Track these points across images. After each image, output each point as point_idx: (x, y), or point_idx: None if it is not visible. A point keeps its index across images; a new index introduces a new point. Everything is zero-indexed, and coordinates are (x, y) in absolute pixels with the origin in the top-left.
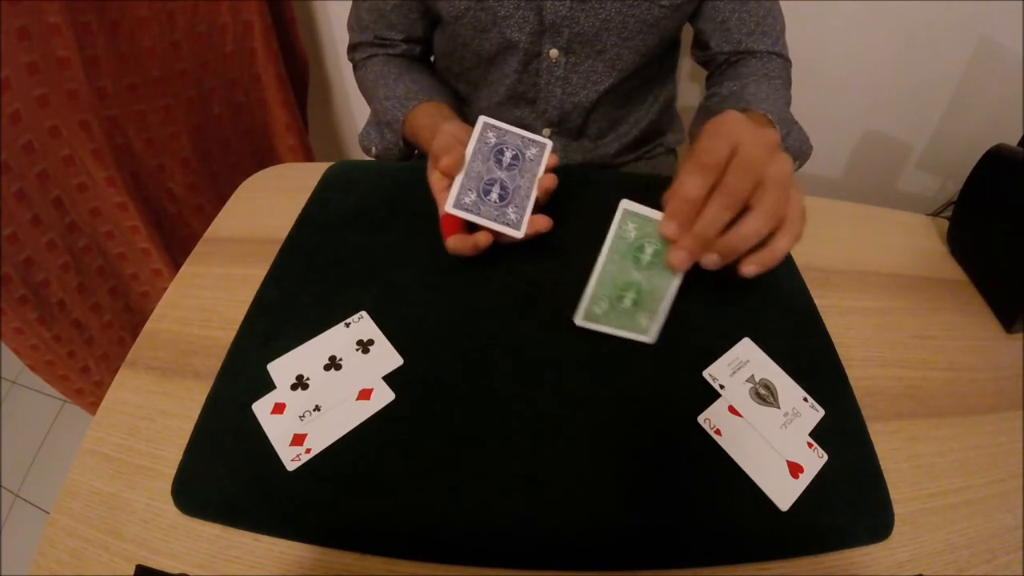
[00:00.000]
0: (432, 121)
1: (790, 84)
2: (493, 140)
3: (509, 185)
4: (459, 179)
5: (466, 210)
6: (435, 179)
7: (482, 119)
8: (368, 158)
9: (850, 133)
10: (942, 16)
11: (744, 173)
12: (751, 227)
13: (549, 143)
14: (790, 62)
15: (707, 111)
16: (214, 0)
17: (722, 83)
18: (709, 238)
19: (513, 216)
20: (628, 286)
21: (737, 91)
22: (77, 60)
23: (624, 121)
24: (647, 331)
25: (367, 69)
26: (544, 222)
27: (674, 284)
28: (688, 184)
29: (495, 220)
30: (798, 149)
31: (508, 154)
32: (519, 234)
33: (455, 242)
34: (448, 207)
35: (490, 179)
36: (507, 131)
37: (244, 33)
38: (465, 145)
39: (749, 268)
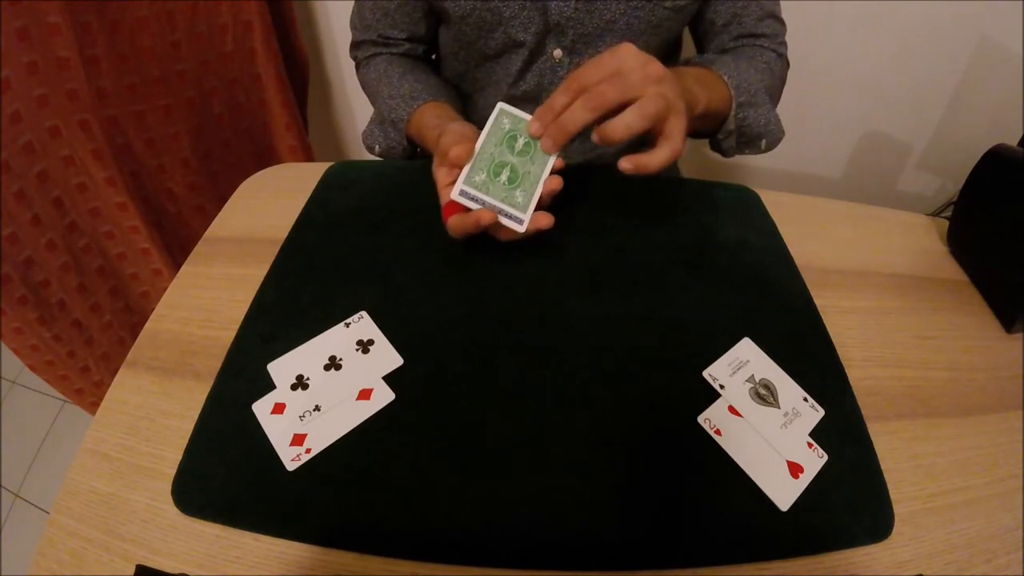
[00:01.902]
0: (439, 122)
1: (779, 77)
2: (507, 125)
3: (518, 172)
4: (466, 169)
5: (471, 200)
6: (441, 174)
7: (500, 105)
8: (368, 158)
9: (850, 133)
10: (942, 16)
11: (613, 85)
12: (622, 119)
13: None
14: (787, 62)
15: None
16: (214, 0)
17: (701, 56)
18: (568, 130)
19: (516, 206)
20: (503, 165)
21: (709, 59)
22: (77, 60)
23: None
24: (524, 208)
25: (370, 68)
26: (546, 219)
27: (545, 170)
28: (554, 97)
29: (498, 213)
30: (763, 127)
31: (520, 141)
32: (521, 228)
33: (456, 220)
34: (453, 194)
35: (500, 163)
36: (521, 119)
37: (244, 33)
38: (473, 142)
39: (624, 164)
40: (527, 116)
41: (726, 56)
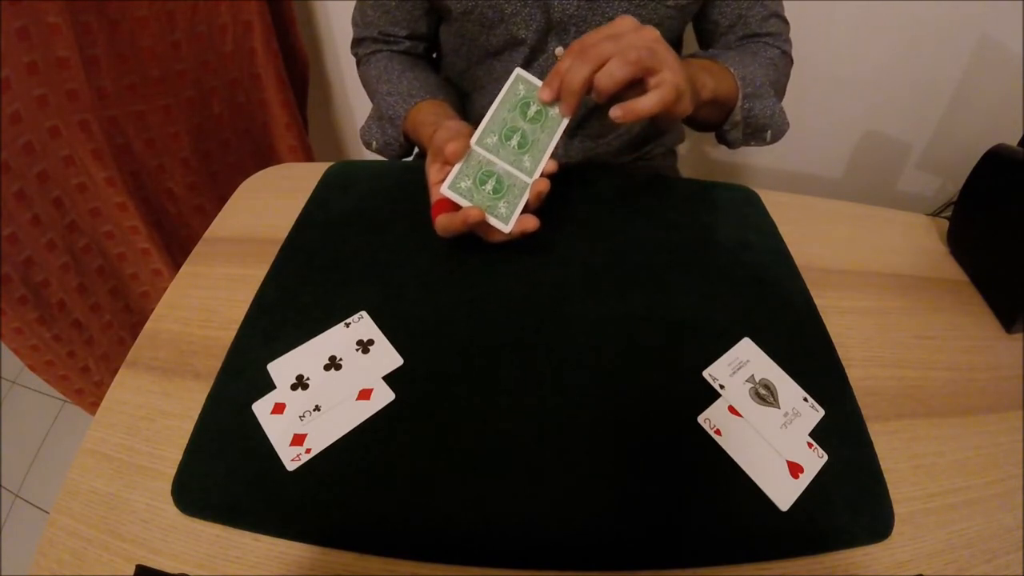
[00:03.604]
0: (434, 119)
1: (783, 73)
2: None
3: (504, 181)
4: (457, 166)
5: (460, 194)
6: (433, 171)
7: (517, 70)
8: (368, 157)
9: (850, 133)
10: (942, 16)
11: (606, 40)
12: (607, 69)
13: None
14: (791, 59)
15: None
16: (214, 0)
17: (705, 51)
18: (573, 87)
19: (504, 210)
20: (515, 130)
21: (714, 53)
22: (77, 60)
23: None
24: (530, 173)
25: (370, 65)
26: (532, 222)
27: (554, 139)
28: (559, 63)
29: (486, 211)
30: (768, 118)
31: (529, 120)
32: (506, 228)
33: (444, 219)
34: (443, 189)
35: (488, 170)
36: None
37: (244, 33)
38: (468, 139)
39: (614, 111)
40: (541, 83)
41: (730, 51)
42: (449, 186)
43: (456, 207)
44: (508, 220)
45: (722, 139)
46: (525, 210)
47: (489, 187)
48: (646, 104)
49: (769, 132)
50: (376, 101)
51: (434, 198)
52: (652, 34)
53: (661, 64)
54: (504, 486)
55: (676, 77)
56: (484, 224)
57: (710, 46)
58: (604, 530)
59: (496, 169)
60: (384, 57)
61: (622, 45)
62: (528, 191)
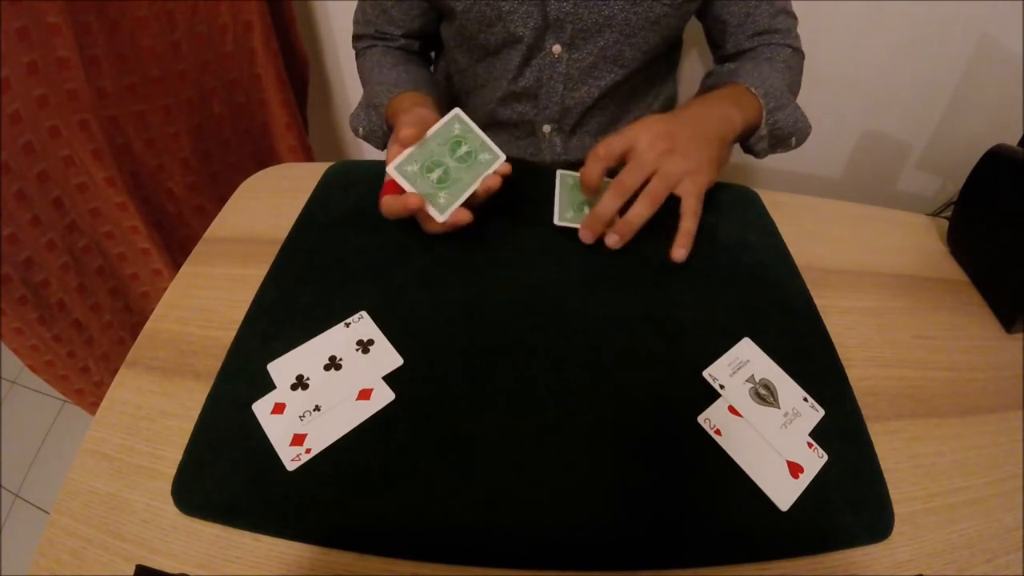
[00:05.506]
0: (410, 106)
1: (797, 71)
2: (456, 130)
3: (452, 173)
4: (409, 150)
5: (404, 177)
6: (393, 152)
7: (456, 110)
8: (368, 158)
9: (850, 133)
10: (942, 16)
11: (632, 170)
12: (635, 211)
13: (503, 156)
14: (802, 53)
15: (702, 88)
16: (214, 0)
17: (723, 64)
18: (604, 219)
19: (443, 201)
20: (438, 164)
21: (733, 69)
22: (77, 60)
23: (624, 119)
24: (442, 209)
25: (367, 57)
26: (465, 215)
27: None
28: (601, 205)
29: (426, 198)
30: (792, 126)
31: (463, 148)
32: (441, 218)
33: (389, 201)
34: (390, 167)
35: (437, 160)
36: (471, 129)
37: (244, 33)
38: (429, 128)
39: (678, 252)
40: (479, 130)
41: (747, 63)
42: (396, 167)
43: (403, 191)
44: (444, 211)
45: (748, 151)
46: (475, 205)
47: (435, 176)
48: (691, 229)
49: (794, 138)
50: (366, 90)
51: (386, 178)
52: (683, 163)
53: (680, 179)
54: (504, 486)
55: (700, 180)
56: (423, 212)
57: (720, 45)
58: (604, 530)
59: (446, 161)
60: (379, 51)
61: (648, 165)
62: (466, 196)
